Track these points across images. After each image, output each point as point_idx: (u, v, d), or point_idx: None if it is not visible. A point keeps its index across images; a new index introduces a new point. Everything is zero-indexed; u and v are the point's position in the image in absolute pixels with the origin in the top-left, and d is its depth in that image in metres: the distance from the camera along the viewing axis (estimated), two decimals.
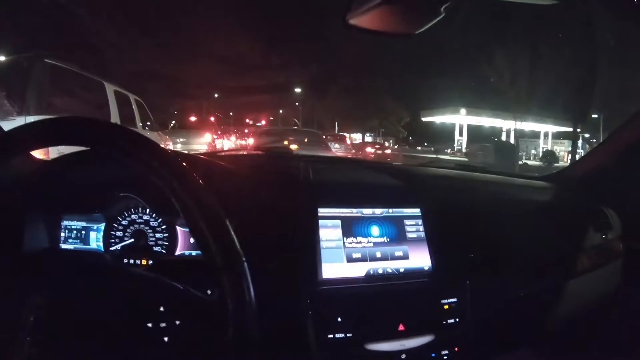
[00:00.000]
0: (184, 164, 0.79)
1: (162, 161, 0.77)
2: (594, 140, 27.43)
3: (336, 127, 44.75)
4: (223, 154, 2.25)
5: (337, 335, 1.08)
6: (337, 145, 17.04)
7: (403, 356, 1.11)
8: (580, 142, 24.45)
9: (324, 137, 13.30)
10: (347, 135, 31.05)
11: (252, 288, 0.77)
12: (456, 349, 1.18)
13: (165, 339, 0.76)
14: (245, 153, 2.84)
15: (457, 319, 1.19)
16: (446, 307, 1.19)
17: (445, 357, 1.17)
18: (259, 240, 0.88)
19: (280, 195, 1.27)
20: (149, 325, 0.76)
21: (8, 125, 1.30)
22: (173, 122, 16.79)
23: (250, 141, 12.24)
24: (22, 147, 0.81)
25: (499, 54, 26.89)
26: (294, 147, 7.43)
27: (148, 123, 9.08)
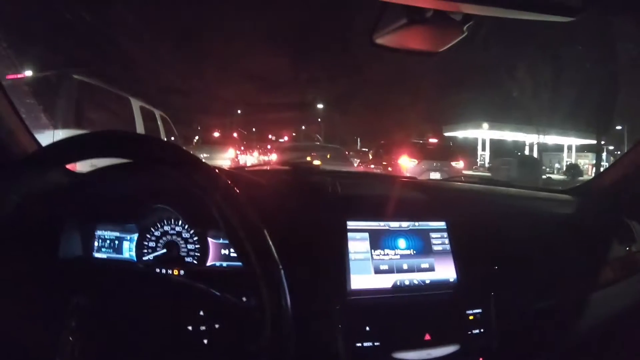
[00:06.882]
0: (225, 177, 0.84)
1: (205, 175, 0.82)
2: (618, 152, 26.87)
3: (358, 143, 44.52)
4: (250, 168, 2.29)
5: (365, 344, 1.11)
6: (359, 161, 16.98)
7: None
8: (604, 155, 24.00)
9: (347, 152, 13.24)
10: (369, 151, 30.86)
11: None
12: (481, 359, 1.20)
13: (205, 341, 0.80)
14: (270, 168, 2.86)
15: (482, 330, 1.22)
16: (471, 317, 1.21)
17: None
18: (290, 252, 0.91)
19: (310, 209, 1.31)
20: (189, 328, 0.80)
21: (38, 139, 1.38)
22: (197, 137, 16.90)
23: (274, 157, 12.25)
24: (71, 157, 0.87)
25: (521, 67, 26.61)
26: (317, 162, 7.42)
27: (172, 138, 9.16)
